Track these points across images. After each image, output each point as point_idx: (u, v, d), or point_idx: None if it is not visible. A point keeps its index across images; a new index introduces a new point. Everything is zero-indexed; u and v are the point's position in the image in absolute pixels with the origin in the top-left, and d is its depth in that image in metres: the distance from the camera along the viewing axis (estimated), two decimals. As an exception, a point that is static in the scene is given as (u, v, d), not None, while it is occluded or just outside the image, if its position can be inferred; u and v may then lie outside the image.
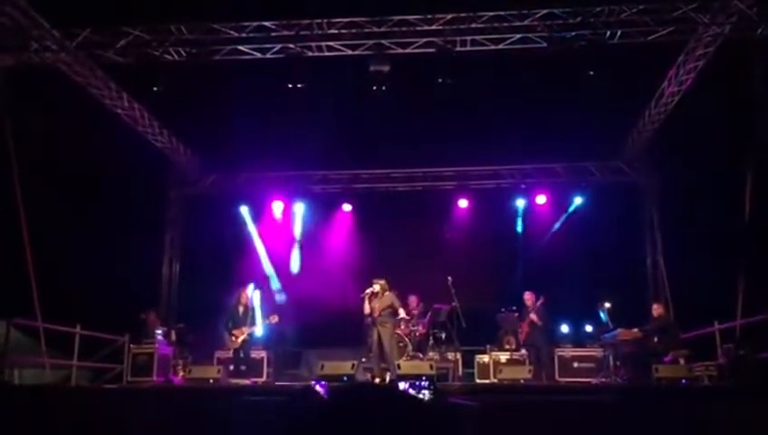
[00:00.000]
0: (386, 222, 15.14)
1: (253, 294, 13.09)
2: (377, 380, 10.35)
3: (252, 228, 15.91)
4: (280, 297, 15.43)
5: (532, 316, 12.34)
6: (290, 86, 10.80)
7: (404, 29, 10.80)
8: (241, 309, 12.01)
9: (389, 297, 10.89)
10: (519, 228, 15.49)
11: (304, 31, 10.81)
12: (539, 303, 12.36)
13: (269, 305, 14.09)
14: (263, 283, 15.16)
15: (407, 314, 12.01)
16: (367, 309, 10.78)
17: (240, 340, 11.76)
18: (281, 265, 15.86)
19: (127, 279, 12.82)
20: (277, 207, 15.69)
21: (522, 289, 12.94)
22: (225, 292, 12.54)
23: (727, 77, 11.37)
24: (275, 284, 15.66)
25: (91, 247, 12.81)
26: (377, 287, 10.85)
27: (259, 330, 12.42)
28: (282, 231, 15.95)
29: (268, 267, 15.83)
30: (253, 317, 12.12)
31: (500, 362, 12.34)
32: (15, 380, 10.62)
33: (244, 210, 15.90)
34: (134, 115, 13.31)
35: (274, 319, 12.18)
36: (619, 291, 12.92)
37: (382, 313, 10.73)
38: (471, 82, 11.16)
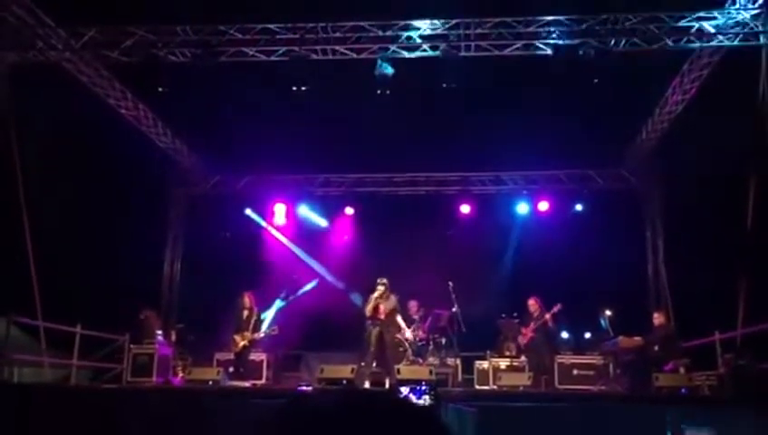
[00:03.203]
0: (388, 226, 15.13)
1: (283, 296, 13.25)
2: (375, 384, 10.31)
3: (270, 227, 15.97)
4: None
5: (547, 318, 12.06)
6: (294, 89, 10.82)
7: (409, 33, 10.82)
8: (245, 313, 11.82)
9: (393, 300, 10.84)
10: (521, 234, 15.46)
11: (309, 34, 10.83)
12: (556, 308, 12.04)
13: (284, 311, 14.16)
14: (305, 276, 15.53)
15: (406, 318, 11.98)
16: (371, 310, 10.69)
17: (241, 345, 11.64)
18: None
19: (128, 279, 12.81)
20: (279, 210, 15.68)
21: (523, 295, 12.89)
22: (226, 294, 12.52)
23: (731, 86, 11.36)
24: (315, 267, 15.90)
25: (93, 246, 12.82)
26: (382, 288, 10.78)
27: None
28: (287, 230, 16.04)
29: (302, 255, 15.93)
30: (258, 323, 11.94)
31: (499, 369, 12.31)
32: (15, 378, 10.61)
33: (250, 212, 15.93)
34: (138, 115, 13.32)
35: (274, 331, 12.10)
36: (620, 299, 12.91)
37: (389, 315, 10.65)
38: (475, 87, 11.16)
